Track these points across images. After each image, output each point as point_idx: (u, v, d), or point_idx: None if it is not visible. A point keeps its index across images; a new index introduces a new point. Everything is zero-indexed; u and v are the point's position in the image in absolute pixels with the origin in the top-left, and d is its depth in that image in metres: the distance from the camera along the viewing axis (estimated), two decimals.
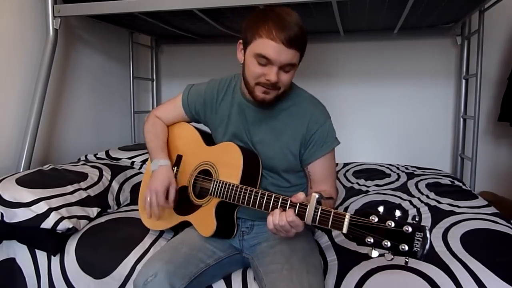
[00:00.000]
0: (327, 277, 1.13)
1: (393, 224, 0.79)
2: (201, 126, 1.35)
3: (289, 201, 0.96)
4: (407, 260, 0.79)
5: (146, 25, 2.17)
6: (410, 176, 2.01)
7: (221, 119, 1.24)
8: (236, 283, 1.17)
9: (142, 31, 2.53)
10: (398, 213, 0.81)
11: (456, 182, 1.91)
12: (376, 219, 0.81)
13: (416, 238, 0.77)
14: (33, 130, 1.81)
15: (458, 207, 1.55)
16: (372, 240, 0.81)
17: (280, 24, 0.97)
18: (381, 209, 0.83)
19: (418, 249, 0.77)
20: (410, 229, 0.77)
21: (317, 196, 0.92)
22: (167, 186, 1.20)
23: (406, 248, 0.77)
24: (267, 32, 0.97)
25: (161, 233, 1.38)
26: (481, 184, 2.17)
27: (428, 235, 0.76)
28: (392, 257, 0.80)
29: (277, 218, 0.94)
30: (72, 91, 2.19)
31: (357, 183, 1.96)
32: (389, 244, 0.79)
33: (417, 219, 0.79)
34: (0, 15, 1.75)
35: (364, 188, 1.88)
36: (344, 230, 0.86)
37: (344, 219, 0.86)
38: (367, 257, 0.82)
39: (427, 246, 0.76)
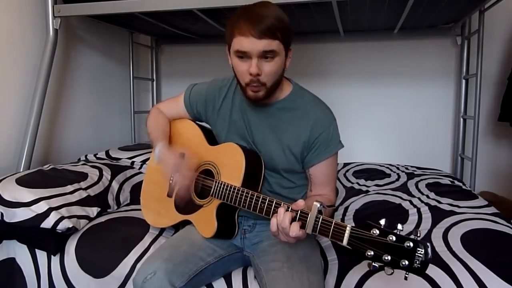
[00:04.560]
0: (327, 277, 1.13)
1: (394, 239, 0.78)
2: (204, 123, 1.34)
3: (290, 208, 0.94)
4: (407, 275, 0.78)
5: (146, 25, 2.17)
6: (410, 176, 2.01)
7: (223, 119, 1.23)
8: (236, 282, 1.17)
9: (142, 31, 2.53)
10: (399, 226, 0.79)
11: (456, 182, 1.91)
12: (378, 233, 0.80)
13: (417, 254, 0.76)
14: (33, 130, 1.81)
15: (458, 207, 1.55)
16: (372, 254, 0.80)
17: (249, 19, 0.99)
18: (382, 222, 0.81)
19: (419, 265, 0.76)
20: (411, 245, 0.76)
21: (318, 205, 0.90)
22: (174, 161, 1.15)
23: (407, 263, 0.77)
24: (238, 30, 1.00)
25: (161, 232, 1.38)
26: (481, 184, 2.17)
27: (429, 251, 0.76)
28: (392, 271, 0.79)
29: (281, 219, 0.92)
30: (72, 91, 2.19)
31: (357, 183, 1.96)
32: (389, 258, 0.78)
33: (419, 235, 0.78)
34: (0, 15, 1.75)
35: (364, 188, 1.88)
36: (344, 242, 0.85)
37: (344, 231, 0.85)
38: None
39: (428, 263, 0.75)
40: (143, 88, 2.84)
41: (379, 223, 0.82)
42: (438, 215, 1.48)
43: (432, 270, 1.09)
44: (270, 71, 1.03)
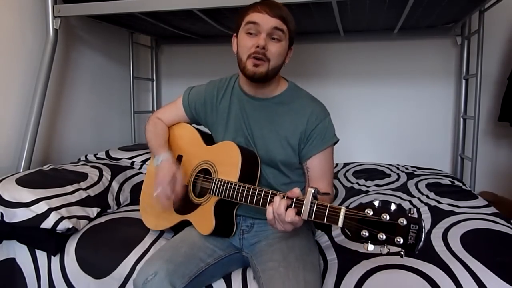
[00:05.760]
0: (327, 277, 1.13)
1: (388, 217, 0.79)
2: (201, 127, 1.35)
3: (286, 196, 0.96)
4: (402, 253, 0.79)
5: (146, 25, 2.17)
6: (410, 176, 2.01)
7: (222, 116, 1.25)
8: (236, 282, 1.17)
9: (142, 31, 2.53)
10: (393, 206, 0.81)
11: (456, 182, 1.91)
12: (371, 212, 0.81)
13: (411, 230, 0.77)
14: (33, 130, 1.81)
15: (458, 207, 1.55)
16: (367, 234, 0.81)
17: (265, 3, 1.10)
18: (376, 202, 0.83)
19: (414, 241, 0.76)
20: (405, 222, 0.77)
21: (313, 190, 0.92)
22: (171, 177, 1.18)
23: (401, 240, 0.77)
24: (253, 8, 1.10)
25: (161, 233, 1.38)
26: (481, 184, 2.17)
27: (423, 227, 0.76)
28: (388, 250, 0.80)
29: (276, 206, 0.94)
30: (72, 91, 2.19)
31: (357, 183, 1.96)
32: (384, 237, 0.79)
33: (412, 212, 0.79)
34: (0, 15, 1.75)
35: (364, 188, 1.88)
36: (340, 223, 0.86)
37: (339, 212, 0.86)
38: (367, 256, 0.82)
39: (423, 239, 0.76)
40: (143, 88, 2.84)
41: (373, 203, 0.83)
42: (437, 215, 1.48)
43: (432, 270, 1.09)
44: (275, 51, 1.09)
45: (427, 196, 1.69)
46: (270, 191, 1.01)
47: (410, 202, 1.63)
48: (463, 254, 1.17)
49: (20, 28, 1.84)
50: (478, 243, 1.24)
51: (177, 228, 1.31)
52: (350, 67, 2.43)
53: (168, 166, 1.20)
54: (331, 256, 1.21)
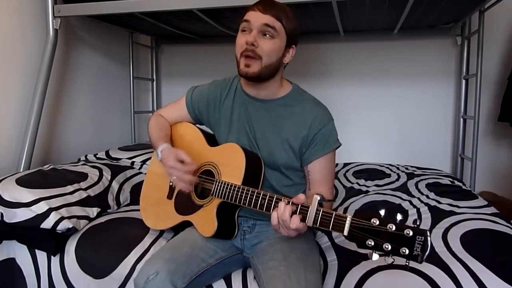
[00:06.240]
0: (327, 277, 1.13)
1: (394, 228, 0.79)
2: (205, 127, 1.35)
3: (290, 202, 0.96)
4: (407, 263, 0.79)
5: (146, 25, 2.17)
6: (410, 176, 2.01)
7: (225, 117, 1.25)
8: (236, 283, 1.17)
9: (142, 31, 2.53)
10: (399, 216, 0.80)
11: (456, 182, 1.91)
12: (377, 222, 0.81)
13: (417, 241, 0.77)
14: (33, 130, 1.81)
15: (458, 207, 1.55)
16: (372, 243, 0.81)
17: (261, 1, 1.11)
18: (382, 212, 0.82)
19: (419, 252, 0.76)
20: (411, 233, 0.77)
21: (318, 198, 0.92)
22: (176, 158, 1.15)
23: (407, 251, 0.77)
24: (249, 8, 1.11)
25: (161, 233, 1.38)
26: (481, 184, 2.17)
27: (429, 239, 0.76)
28: (393, 260, 0.80)
29: (281, 212, 0.94)
30: (72, 91, 2.19)
31: (357, 183, 1.96)
32: (389, 247, 0.79)
33: (418, 223, 0.79)
34: (0, 15, 1.75)
35: (364, 188, 1.88)
36: (345, 232, 0.85)
37: (345, 221, 0.86)
38: (367, 257, 0.82)
39: (428, 250, 0.76)
40: (143, 88, 2.84)
41: (379, 213, 0.83)
42: (438, 215, 1.48)
43: (432, 270, 1.09)
44: (267, 48, 1.08)
45: (427, 196, 1.69)
46: (275, 196, 1.00)
47: (410, 202, 1.63)
48: (463, 254, 1.17)
49: (20, 28, 1.84)
50: (478, 243, 1.24)
51: (177, 228, 1.31)
52: (350, 67, 2.43)
53: (169, 152, 1.18)
54: (331, 257, 1.21)
